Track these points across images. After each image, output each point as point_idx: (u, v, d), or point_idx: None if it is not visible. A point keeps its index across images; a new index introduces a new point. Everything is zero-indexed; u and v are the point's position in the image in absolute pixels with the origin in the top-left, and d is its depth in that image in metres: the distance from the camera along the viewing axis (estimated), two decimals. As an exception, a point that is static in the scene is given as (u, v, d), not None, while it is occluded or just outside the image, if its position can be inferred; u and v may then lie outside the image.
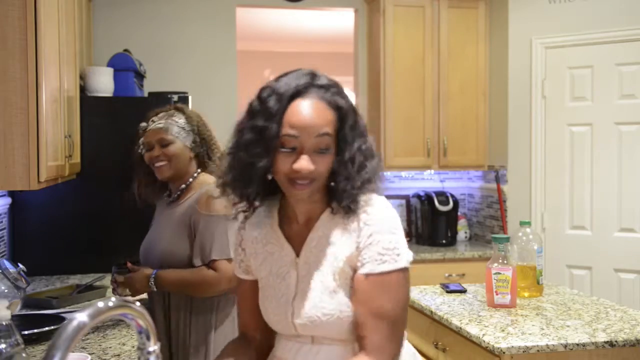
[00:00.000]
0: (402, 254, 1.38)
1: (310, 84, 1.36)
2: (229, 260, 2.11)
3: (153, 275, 2.18)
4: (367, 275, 1.36)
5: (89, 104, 3.29)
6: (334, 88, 1.38)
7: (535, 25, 4.10)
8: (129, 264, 2.25)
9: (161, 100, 3.31)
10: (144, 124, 2.35)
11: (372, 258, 1.36)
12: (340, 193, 1.37)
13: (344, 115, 1.37)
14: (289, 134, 1.33)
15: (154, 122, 2.31)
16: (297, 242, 1.46)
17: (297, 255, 1.45)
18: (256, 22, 5.91)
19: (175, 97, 3.38)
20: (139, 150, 2.36)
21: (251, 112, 1.38)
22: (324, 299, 1.39)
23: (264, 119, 1.34)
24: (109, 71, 3.47)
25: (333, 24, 6.00)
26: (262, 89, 1.39)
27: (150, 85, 4.08)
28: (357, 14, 4.63)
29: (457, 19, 4.39)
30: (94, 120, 3.31)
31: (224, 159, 1.43)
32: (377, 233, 1.37)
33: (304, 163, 1.33)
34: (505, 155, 4.25)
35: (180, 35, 4.31)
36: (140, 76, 3.89)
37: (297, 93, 1.35)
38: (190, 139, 2.31)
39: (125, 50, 3.85)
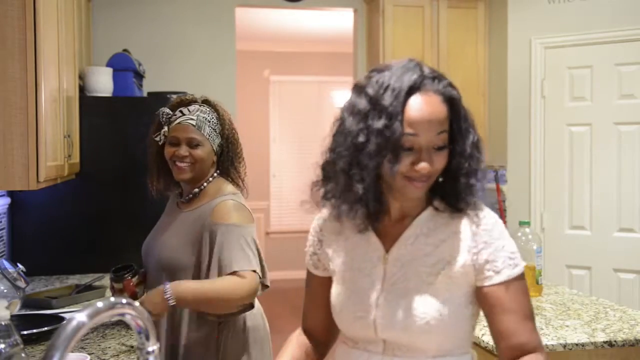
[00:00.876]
0: (519, 255, 1.36)
1: (422, 76, 1.26)
2: (254, 271, 1.95)
3: (167, 289, 1.88)
4: (507, 282, 1.30)
5: (88, 104, 3.29)
6: (444, 79, 1.28)
7: (535, 25, 4.10)
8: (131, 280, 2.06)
9: (160, 100, 3.30)
10: (167, 111, 2.12)
11: (505, 264, 1.30)
12: (461, 190, 1.30)
13: (457, 106, 1.28)
14: (408, 133, 1.23)
15: (184, 114, 2.08)
16: (386, 238, 1.36)
17: (387, 251, 1.36)
18: (256, 22, 5.91)
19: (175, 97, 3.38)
20: (157, 140, 2.14)
21: (359, 113, 1.26)
22: (418, 301, 1.29)
23: (383, 119, 1.22)
24: (108, 71, 3.47)
25: (332, 24, 6.00)
26: (364, 85, 1.28)
27: (150, 85, 4.08)
28: (357, 14, 4.63)
29: (456, 19, 4.39)
30: (93, 120, 3.31)
31: (332, 171, 1.30)
32: (498, 239, 1.32)
33: (425, 163, 1.24)
34: (504, 155, 4.25)
35: (180, 35, 4.31)
36: (140, 76, 3.89)
37: (414, 87, 1.24)
38: (218, 142, 2.11)
39: (125, 50, 3.85)
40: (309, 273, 1.50)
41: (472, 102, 4.93)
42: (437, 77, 1.28)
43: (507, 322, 1.29)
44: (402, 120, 1.22)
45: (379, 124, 1.22)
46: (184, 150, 2.06)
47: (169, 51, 4.28)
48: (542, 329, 2.16)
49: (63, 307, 2.56)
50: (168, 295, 1.87)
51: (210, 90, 4.23)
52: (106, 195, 3.34)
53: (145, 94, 3.81)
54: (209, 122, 2.09)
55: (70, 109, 2.84)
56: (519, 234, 2.66)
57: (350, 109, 1.28)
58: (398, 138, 1.22)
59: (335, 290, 1.41)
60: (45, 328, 2.06)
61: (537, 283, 2.64)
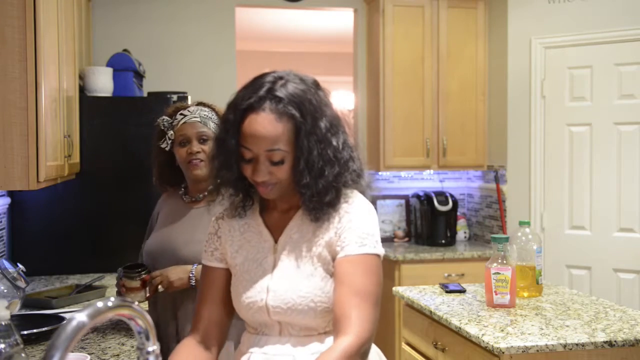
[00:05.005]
0: (379, 242, 1.45)
1: (266, 96, 1.37)
2: None
3: (193, 269, 2.00)
4: (349, 256, 1.40)
5: (88, 103, 3.29)
6: (293, 96, 1.38)
7: (535, 25, 4.10)
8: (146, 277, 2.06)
9: (160, 100, 3.31)
10: (167, 118, 2.15)
11: (352, 241, 1.41)
12: (302, 199, 1.44)
13: (299, 123, 1.38)
14: (243, 146, 1.39)
15: (186, 115, 2.13)
16: (276, 230, 1.51)
17: (276, 241, 1.50)
18: (255, 22, 5.91)
19: (175, 97, 3.38)
20: (164, 146, 2.15)
21: (223, 120, 1.45)
22: (301, 282, 1.42)
23: (224, 132, 1.42)
24: (108, 71, 3.47)
25: (332, 24, 6.00)
26: (232, 97, 1.44)
27: (150, 85, 4.08)
28: (357, 14, 4.63)
29: (456, 19, 4.39)
30: (93, 120, 3.31)
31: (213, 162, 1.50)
32: (357, 219, 1.44)
33: (258, 174, 1.40)
34: (504, 155, 4.25)
35: (180, 35, 4.31)
36: (140, 76, 3.89)
37: (250, 107, 1.38)
38: None
39: (125, 50, 3.85)
40: (209, 270, 1.57)
41: (471, 102, 4.95)
42: (283, 97, 1.37)
43: (340, 292, 1.39)
44: (238, 135, 1.39)
45: (221, 134, 1.43)
46: (196, 147, 2.11)
47: (169, 51, 4.28)
48: (542, 329, 2.16)
49: (63, 307, 2.56)
50: (192, 276, 2.01)
51: (210, 90, 4.26)
52: (106, 195, 3.34)
53: (145, 94, 3.81)
54: (211, 118, 2.15)
55: (70, 109, 2.83)
56: (519, 234, 2.66)
57: (222, 116, 1.47)
58: (232, 149, 1.40)
59: (234, 281, 1.53)
60: (45, 328, 2.06)
61: (537, 283, 2.64)
